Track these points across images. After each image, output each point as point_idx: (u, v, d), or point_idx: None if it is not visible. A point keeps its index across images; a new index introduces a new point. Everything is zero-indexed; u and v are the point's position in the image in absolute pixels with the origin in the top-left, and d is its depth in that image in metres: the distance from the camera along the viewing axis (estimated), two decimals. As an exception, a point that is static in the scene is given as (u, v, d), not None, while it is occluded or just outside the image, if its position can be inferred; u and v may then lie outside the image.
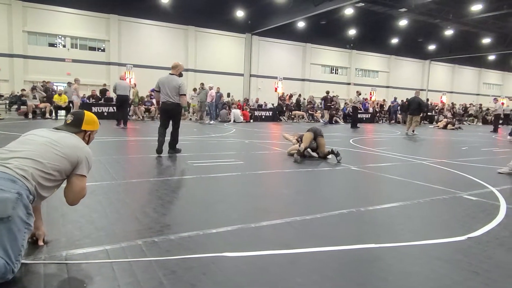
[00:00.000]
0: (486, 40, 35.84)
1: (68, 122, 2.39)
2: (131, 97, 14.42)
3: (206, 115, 17.01)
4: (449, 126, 18.36)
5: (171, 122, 6.33)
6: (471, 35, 35.16)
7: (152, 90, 17.24)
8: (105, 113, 15.10)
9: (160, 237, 2.47)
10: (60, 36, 26.37)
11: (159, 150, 6.18)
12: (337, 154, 6.10)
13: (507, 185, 4.80)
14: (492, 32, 33.68)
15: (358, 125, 17.11)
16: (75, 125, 2.37)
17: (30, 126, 10.08)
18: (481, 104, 26.96)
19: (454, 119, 19.44)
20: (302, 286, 1.91)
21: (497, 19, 29.80)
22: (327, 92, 19.78)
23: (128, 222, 2.84)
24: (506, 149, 6.82)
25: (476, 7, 26.80)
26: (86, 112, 2.47)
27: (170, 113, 6.27)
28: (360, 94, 17.67)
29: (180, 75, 6.43)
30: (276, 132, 12.98)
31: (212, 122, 16.19)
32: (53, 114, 14.31)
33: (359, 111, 22.28)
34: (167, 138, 6.31)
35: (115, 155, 6.15)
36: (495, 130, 17.04)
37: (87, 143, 2.43)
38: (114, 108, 13.98)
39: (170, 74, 6.27)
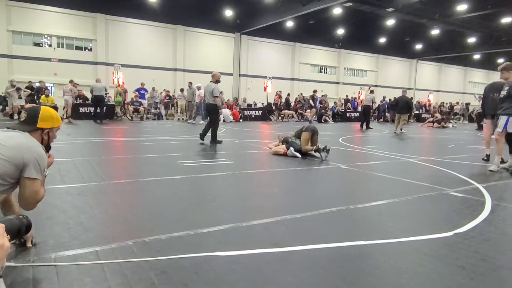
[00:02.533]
0: (472, 40, 36.55)
1: (21, 119, 2.15)
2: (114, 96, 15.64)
3: (197, 115, 16.91)
4: (435, 124, 18.63)
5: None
6: (457, 34, 35.79)
7: (136, 90, 17.41)
8: (93, 114, 14.86)
9: (150, 237, 2.45)
10: (45, 36, 25.92)
11: (201, 138, 8.23)
12: (325, 151, 6.13)
13: (492, 181, 4.90)
14: (477, 31, 34.36)
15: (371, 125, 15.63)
16: (29, 123, 2.13)
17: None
18: (468, 103, 27.40)
19: (443, 117, 19.68)
20: (293, 284, 1.93)
21: (482, 19, 30.41)
22: (300, 94, 21.55)
23: (118, 222, 2.82)
24: (491, 147, 6.96)
25: (461, 7, 27.30)
26: (43, 108, 2.22)
27: (209, 112, 8.33)
28: (372, 91, 17.46)
29: (217, 81, 8.06)
30: (266, 131, 13.00)
31: (201, 121, 16.11)
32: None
33: (348, 109, 22.75)
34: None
35: (103, 156, 6.09)
36: (480, 128, 17.35)
37: (48, 142, 2.22)
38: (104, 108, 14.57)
39: (210, 82, 8.09)
